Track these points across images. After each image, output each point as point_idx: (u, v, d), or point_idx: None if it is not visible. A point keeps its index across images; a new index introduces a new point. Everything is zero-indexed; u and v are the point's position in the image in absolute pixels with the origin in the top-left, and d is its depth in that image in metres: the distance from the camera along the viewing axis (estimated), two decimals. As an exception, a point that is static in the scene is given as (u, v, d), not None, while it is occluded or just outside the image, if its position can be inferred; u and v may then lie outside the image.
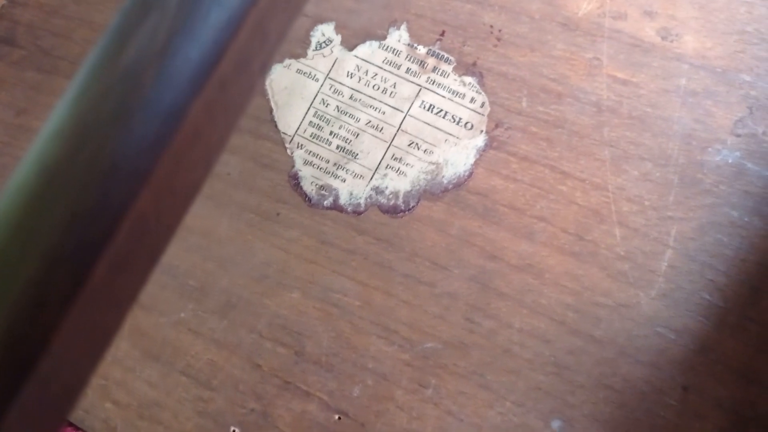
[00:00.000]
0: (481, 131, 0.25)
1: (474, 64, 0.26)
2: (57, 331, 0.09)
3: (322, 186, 0.25)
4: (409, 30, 0.26)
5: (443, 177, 0.25)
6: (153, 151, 0.09)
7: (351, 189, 0.25)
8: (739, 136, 0.24)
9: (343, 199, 0.26)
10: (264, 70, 0.11)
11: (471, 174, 0.25)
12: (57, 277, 0.09)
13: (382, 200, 0.25)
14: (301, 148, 0.26)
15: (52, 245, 0.09)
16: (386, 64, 0.26)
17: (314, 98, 0.26)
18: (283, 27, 0.11)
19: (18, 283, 0.09)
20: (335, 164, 0.26)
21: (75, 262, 0.09)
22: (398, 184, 0.25)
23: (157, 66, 0.09)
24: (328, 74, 0.26)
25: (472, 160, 0.25)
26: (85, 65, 0.10)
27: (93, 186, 0.09)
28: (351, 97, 0.26)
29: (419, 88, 0.26)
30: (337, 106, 0.26)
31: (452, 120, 0.25)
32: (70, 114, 0.09)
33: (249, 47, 0.10)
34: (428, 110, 0.26)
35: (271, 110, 0.26)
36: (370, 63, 0.26)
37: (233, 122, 0.11)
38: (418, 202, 0.25)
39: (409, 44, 0.26)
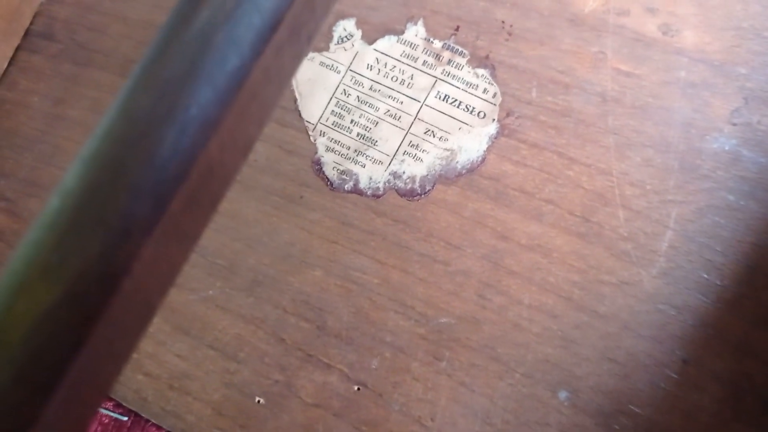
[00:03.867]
0: (493, 120, 0.26)
1: (487, 57, 0.26)
2: (138, 257, 0.10)
3: (343, 171, 0.26)
4: (426, 25, 0.27)
5: (457, 162, 0.26)
6: (221, 105, 0.11)
7: (370, 174, 0.26)
8: (735, 125, 0.25)
9: (363, 183, 0.26)
10: (311, 40, 0.12)
11: (483, 160, 0.26)
12: (141, 210, 0.10)
13: (400, 184, 0.26)
14: (324, 136, 0.27)
15: (138, 182, 0.10)
16: (404, 57, 0.27)
17: (336, 89, 0.27)
18: (328, 3, 0.12)
19: (109, 214, 0.10)
20: (356, 150, 0.26)
21: (156, 196, 0.10)
22: (415, 169, 0.26)
23: (226, 30, 0.11)
24: (349, 66, 0.27)
25: (484, 147, 0.26)
26: (161, 29, 0.11)
27: (172, 132, 0.10)
28: (371, 88, 0.27)
29: (435, 79, 0.27)
30: (358, 96, 0.27)
31: (466, 109, 0.26)
32: (151, 71, 0.11)
33: (300, 18, 0.12)
34: (443, 100, 0.26)
35: (295, 100, 0.27)
36: (388, 56, 0.27)
37: (284, 85, 0.12)
38: (433, 186, 0.26)
39: (425, 38, 0.27)
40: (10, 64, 0.29)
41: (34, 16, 0.29)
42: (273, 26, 0.11)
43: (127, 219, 0.10)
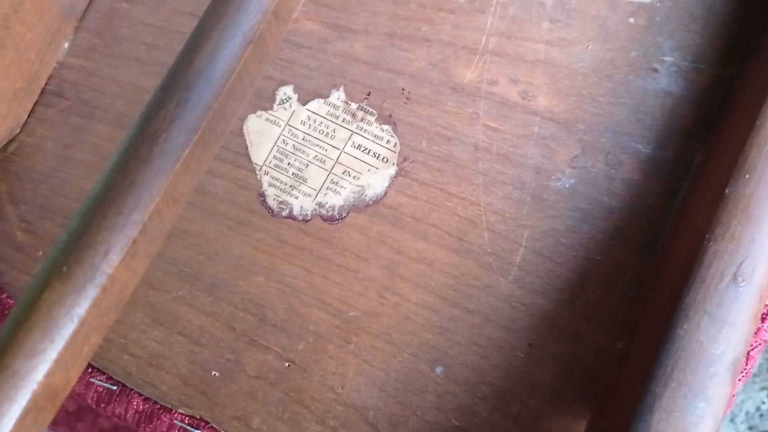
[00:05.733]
0: (394, 163, 0.31)
1: (390, 116, 0.31)
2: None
3: (281, 201, 0.31)
4: (345, 91, 0.32)
5: (366, 196, 0.31)
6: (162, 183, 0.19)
7: (302, 204, 0.31)
8: (574, 168, 0.30)
9: (296, 211, 0.31)
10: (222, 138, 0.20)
11: (385, 194, 0.31)
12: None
13: (323, 212, 0.31)
14: (267, 174, 0.32)
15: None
16: (329, 115, 0.32)
17: (277, 139, 0.32)
18: (234, 114, 0.20)
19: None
20: (291, 186, 0.31)
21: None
22: (335, 200, 0.31)
23: (167, 134, 0.19)
24: (287, 122, 0.32)
25: (386, 184, 0.31)
26: (128, 134, 0.19)
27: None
28: (303, 139, 0.32)
29: (351, 132, 0.32)
30: (294, 145, 0.32)
31: (374, 156, 0.31)
32: (116, 169, 0.18)
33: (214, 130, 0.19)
34: (357, 148, 0.31)
35: (247, 147, 0.32)
36: (317, 114, 0.32)
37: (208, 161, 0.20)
38: (348, 214, 0.31)
39: (345, 101, 0.32)
40: (29, 115, 0.34)
41: (49, 78, 0.34)
42: (192, 136, 0.19)
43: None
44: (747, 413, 0.72)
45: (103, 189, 0.18)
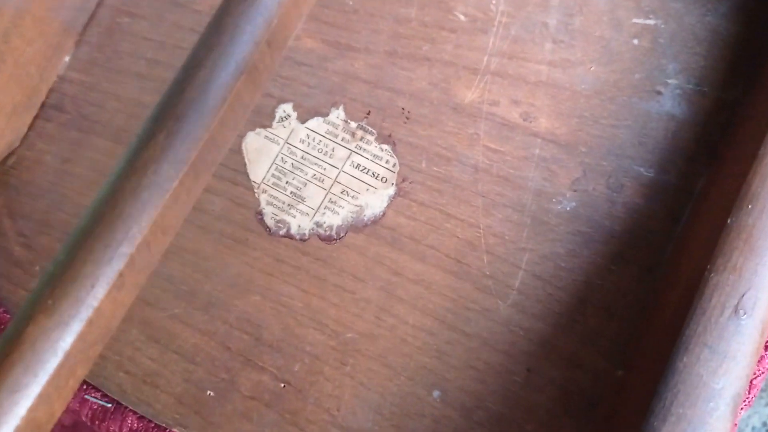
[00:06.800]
0: (393, 184, 0.31)
1: (389, 135, 0.31)
2: None
3: (279, 220, 0.31)
4: (345, 110, 0.32)
5: (364, 216, 0.31)
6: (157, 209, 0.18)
7: (299, 223, 0.31)
8: (575, 191, 0.29)
9: (294, 230, 0.31)
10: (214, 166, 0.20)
11: (384, 214, 0.31)
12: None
13: (321, 231, 0.31)
14: (265, 193, 0.32)
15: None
16: (328, 134, 0.32)
17: (276, 157, 0.32)
18: (228, 141, 0.20)
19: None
20: (289, 205, 0.31)
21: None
22: (333, 220, 0.31)
23: (158, 163, 0.18)
24: (286, 140, 0.32)
25: (385, 204, 0.31)
26: (122, 161, 0.19)
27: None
28: (302, 157, 0.32)
29: (350, 152, 0.32)
30: (292, 163, 0.32)
31: (373, 175, 0.31)
32: (111, 196, 0.18)
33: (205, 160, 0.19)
34: (356, 168, 0.31)
35: (245, 165, 0.32)
36: (316, 133, 0.32)
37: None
38: (346, 234, 0.31)
39: (344, 120, 0.32)
40: (29, 129, 0.34)
41: (49, 92, 0.34)
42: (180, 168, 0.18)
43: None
44: (753, 428, 0.71)
45: (91, 221, 0.17)
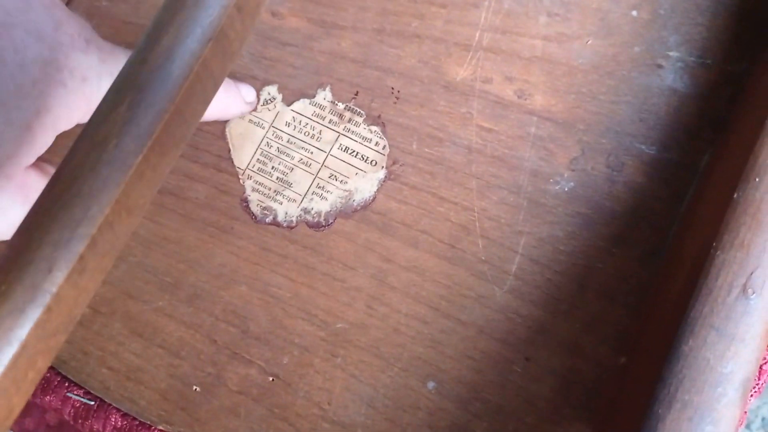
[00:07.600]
0: (383, 167, 0.30)
1: (379, 116, 0.31)
2: None
3: (265, 207, 0.31)
4: (332, 91, 0.31)
5: (354, 201, 0.30)
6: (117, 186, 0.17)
7: (286, 210, 0.30)
8: (573, 170, 0.29)
9: (280, 217, 0.30)
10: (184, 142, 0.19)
11: (374, 199, 0.30)
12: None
13: (309, 218, 0.30)
14: (251, 179, 0.31)
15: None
16: (314, 116, 0.31)
17: (261, 141, 0.31)
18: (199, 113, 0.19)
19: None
20: (275, 191, 0.31)
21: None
22: (321, 206, 0.30)
23: (119, 137, 0.17)
24: (272, 123, 0.31)
25: (375, 188, 0.30)
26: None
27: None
28: (288, 141, 0.31)
29: (338, 134, 0.31)
30: (278, 148, 0.31)
31: (362, 158, 0.30)
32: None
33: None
34: (344, 151, 0.31)
35: (229, 150, 0.31)
36: (302, 115, 0.31)
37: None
38: (335, 220, 0.30)
39: (331, 101, 0.31)
40: None
41: None
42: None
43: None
44: (763, 419, 0.70)
45: (47, 200, 0.16)
